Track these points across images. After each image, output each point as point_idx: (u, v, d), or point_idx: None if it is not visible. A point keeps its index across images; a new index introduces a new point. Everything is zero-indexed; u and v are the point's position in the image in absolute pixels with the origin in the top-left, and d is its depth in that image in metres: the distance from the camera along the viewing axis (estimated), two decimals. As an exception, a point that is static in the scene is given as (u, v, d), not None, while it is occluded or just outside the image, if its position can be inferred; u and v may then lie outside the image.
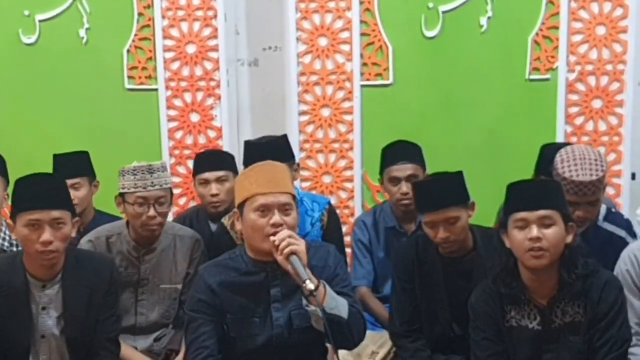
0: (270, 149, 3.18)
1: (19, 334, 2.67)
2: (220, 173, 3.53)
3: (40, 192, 2.57)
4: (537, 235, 2.47)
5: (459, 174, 2.94)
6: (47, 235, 2.54)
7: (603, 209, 3.11)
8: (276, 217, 2.47)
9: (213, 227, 3.61)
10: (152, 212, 3.09)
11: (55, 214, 2.56)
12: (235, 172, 3.58)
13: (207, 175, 3.53)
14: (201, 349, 2.52)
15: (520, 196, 2.55)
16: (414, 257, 3.02)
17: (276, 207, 2.48)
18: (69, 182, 3.02)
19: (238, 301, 2.55)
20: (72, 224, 2.64)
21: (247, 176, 2.56)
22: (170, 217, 4.16)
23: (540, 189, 2.58)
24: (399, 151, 3.54)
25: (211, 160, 3.63)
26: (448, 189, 2.89)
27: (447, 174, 2.94)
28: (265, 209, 2.48)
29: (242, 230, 2.58)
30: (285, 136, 3.43)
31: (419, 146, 3.59)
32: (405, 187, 3.46)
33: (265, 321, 2.55)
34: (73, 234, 2.68)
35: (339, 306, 2.42)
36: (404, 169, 3.47)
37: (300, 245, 2.41)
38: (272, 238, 2.43)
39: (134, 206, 3.09)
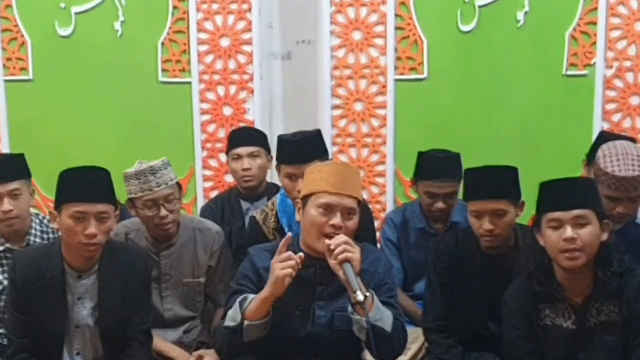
0: (304, 145, 3.17)
1: (54, 323, 2.70)
2: (253, 149, 3.65)
3: (87, 185, 2.61)
4: (572, 235, 2.44)
5: (515, 169, 2.90)
6: (92, 228, 2.57)
7: None
8: (337, 219, 2.45)
9: (245, 205, 3.69)
10: (163, 212, 3.08)
11: (101, 207, 2.60)
12: (267, 149, 3.71)
13: (240, 150, 3.64)
14: None
15: (553, 195, 2.52)
16: (452, 252, 2.99)
17: (340, 209, 2.46)
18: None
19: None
20: (114, 217, 2.67)
21: (320, 170, 2.53)
22: (202, 201, 4.21)
23: (574, 187, 2.54)
24: (440, 166, 3.40)
25: (244, 136, 3.75)
26: (501, 181, 2.85)
27: (503, 167, 2.90)
28: (328, 209, 2.46)
29: (301, 222, 2.56)
30: (319, 131, 3.44)
31: (459, 156, 3.47)
32: (441, 203, 3.40)
33: (307, 317, 2.54)
34: (114, 227, 2.71)
35: (384, 318, 2.41)
36: (443, 186, 3.39)
37: (355, 254, 2.39)
38: (327, 242, 2.41)
39: (144, 209, 3.09)
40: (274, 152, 3.83)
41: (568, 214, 2.45)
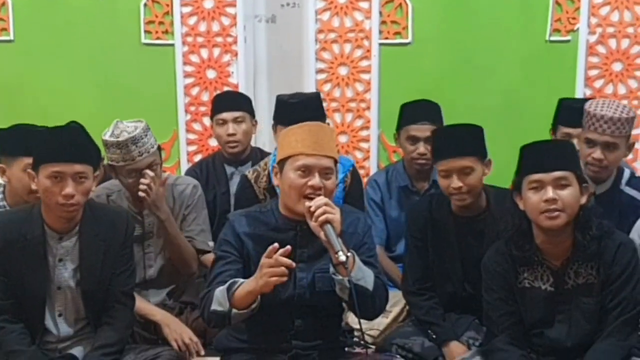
0: (303, 107, 3.16)
1: (36, 285, 2.69)
2: (237, 113, 3.63)
3: (65, 145, 2.58)
4: (553, 196, 2.46)
5: (479, 128, 2.93)
6: (69, 188, 2.55)
7: (627, 173, 3.10)
8: (316, 180, 2.45)
9: (229, 170, 3.69)
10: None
11: (79, 167, 2.57)
12: (251, 114, 3.69)
13: (225, 115, 3.63)
14: (223, 283, 2.48)
15: (534, 158, 2.54)
16: (427, 216, 3.01)
17: (317, 170, 2.46)
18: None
19: (263, 254, 2.53)
20: (94, 178, 2.65)
21: (294, 133, 2.52)
22: (186, 165, 4.21)
23: (555, 150, 2.57)
24: (421, 110, 3.53)
25: (229, 100, 3.73)
26: (467, 139, 2.88)
27: (468, 125, 2.93)
28: (306, 170, 2.46)
29: (280, 187, 2.56)
30: (318, 94, 3.42)
31: (439, 106, 3.58)
32: (423, 147, 3.46)
33: (288, 279, 2.49)
34: (93, 188, 2.69)
35: (366, 277, 2.43)
36: (424, 129, 3.46)
37: (336, 215, 2.40)
38: (307, 204, 2.41)
39: (127, 178, 3.07)
40: (258, 116, 3.84)
41: (549, 176, 2.47)
